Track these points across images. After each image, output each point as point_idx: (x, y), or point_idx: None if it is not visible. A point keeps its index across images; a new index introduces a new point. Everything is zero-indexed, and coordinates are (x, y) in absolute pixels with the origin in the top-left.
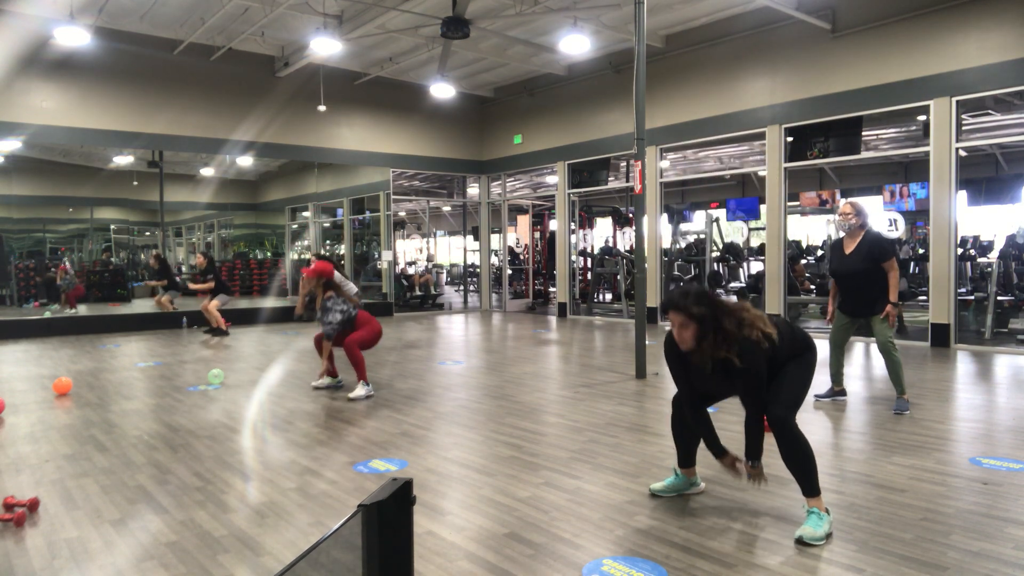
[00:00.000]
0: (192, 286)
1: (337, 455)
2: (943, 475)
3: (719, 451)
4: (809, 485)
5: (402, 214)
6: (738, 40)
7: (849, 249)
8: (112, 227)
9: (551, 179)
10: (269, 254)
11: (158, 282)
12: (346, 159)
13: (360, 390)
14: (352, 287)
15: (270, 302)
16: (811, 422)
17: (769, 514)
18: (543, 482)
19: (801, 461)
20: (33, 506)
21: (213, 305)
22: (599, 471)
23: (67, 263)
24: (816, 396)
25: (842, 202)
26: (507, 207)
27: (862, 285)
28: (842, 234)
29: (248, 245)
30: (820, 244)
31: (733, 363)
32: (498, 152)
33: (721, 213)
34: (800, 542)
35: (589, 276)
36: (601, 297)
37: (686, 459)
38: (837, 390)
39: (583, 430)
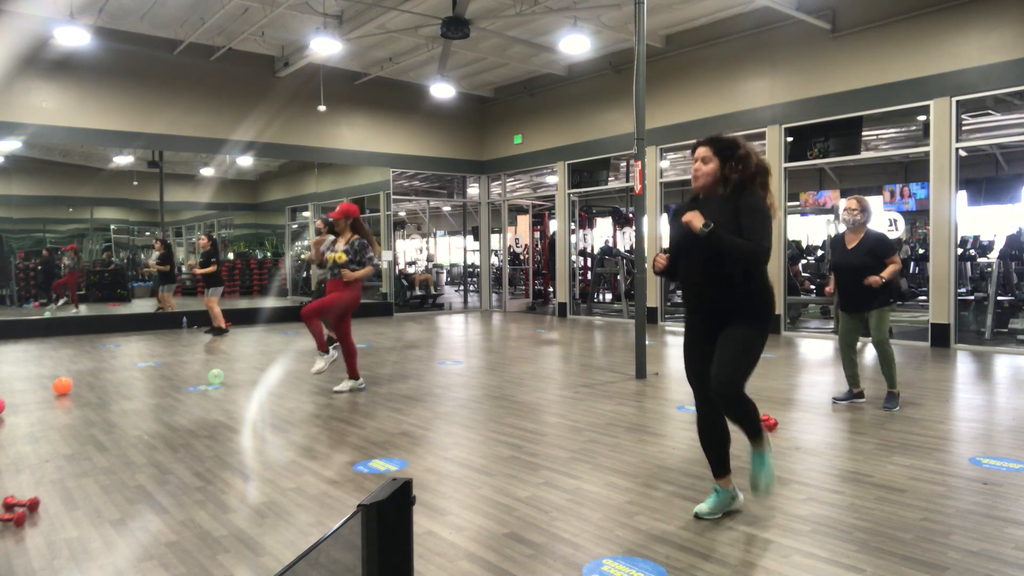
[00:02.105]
0: (197, 272)
1: (337, 455)
2: (943, 475)
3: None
4: (754, 429)
5: (402, 214)
6: (738, 40)
7: (851, 244)
8: (112, 227)
9: (551, 179)
10: (269, 254)
11: (160, 266)
12: (346, 159)
13: (320, 363)
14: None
15: (270, 302)
16: (812, 422)
17: (769, 514)
18: (543, 482)
19: (746, 417)
20: (33, 506)
21: (214, 301)
22: (599, 471)
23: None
24: (834, 399)
25: (848, 198)
26: (507, 207)
27: (861, 280)
28: (843, 229)
29: (248, 245)
30: (820, 244)
31: (739, 208)
32: (498, 152)
33: None
34: (767, 491)
35: (589, 276)
36: (601, 297)
37: (720, 467)
38: (856, 392)
39: (583, 430)
